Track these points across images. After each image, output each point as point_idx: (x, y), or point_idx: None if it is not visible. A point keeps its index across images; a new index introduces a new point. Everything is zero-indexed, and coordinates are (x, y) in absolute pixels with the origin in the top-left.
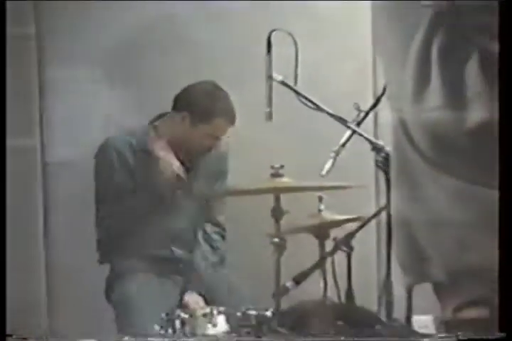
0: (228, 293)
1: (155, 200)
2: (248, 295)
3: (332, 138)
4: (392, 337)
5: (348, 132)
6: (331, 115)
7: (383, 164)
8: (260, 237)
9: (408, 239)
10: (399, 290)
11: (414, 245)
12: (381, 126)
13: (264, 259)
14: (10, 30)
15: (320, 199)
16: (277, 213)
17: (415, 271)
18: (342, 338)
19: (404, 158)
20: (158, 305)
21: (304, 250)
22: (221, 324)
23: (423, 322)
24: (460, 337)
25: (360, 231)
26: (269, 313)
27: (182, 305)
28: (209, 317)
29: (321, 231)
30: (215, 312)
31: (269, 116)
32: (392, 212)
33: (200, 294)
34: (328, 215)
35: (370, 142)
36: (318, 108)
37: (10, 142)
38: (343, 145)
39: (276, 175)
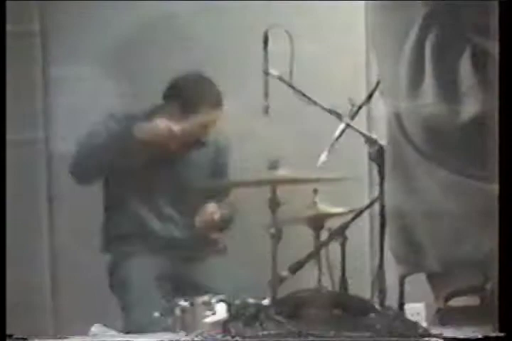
0: (227, 282)
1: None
2: (246, 284)
3: (327, 131)
4: (387, 326)
5: (342, 126)
6: (326, 109)
7: (376, 157)
8: (257, 227)
9: (402, 231)
10: (391, 279)
11: (407, 236)
12: (374, 120)
13: (260, 249)
14: (15, 27)
15: (315, 191)
16: (274, 204)
17: (409, 261)
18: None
19: (399, 151)
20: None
21: (299, 240)
22: (220, 312)
23: (415, 309)
24: (460, 337)
25: (354, 222)
26: (266, 302)
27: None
28: (208, 305)
29: (316, 223)
30: (214, 300)
31: (266, 110)
32: (387, 203)
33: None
34: (324, 207)
35: (364, 135)
36: (313, 102)
37: (16, 136)
38: (338, 138)
39: (272, 167)
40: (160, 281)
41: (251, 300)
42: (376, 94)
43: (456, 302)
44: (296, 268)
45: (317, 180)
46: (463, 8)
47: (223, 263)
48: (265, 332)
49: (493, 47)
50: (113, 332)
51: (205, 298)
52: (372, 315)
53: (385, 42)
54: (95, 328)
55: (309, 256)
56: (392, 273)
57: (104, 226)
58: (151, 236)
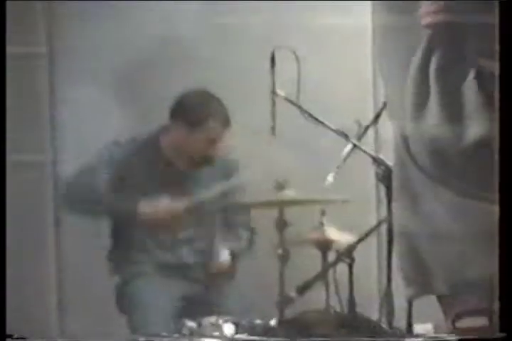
0: (235, 302)
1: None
2: (253, 305)
3: (334, 152)
4: None
5: (350, 146)
6: (333, 130)
7: (383, 177)
8: (264, 248)
9: (410, 252)
10: (399, 300)
11: (415, 258)
12: (381, 141)
13: (268, 270)
14: (22, 49)
15: (322, 212)
16: (281, 225)
17: (418, 283)
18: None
19: (405, 172)
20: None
21: (306, 261)
22: (228, 332)
23: (424, 330)
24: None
25: (361, 243)
26: (274, 322)
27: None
28: (216, 325)
29: (323, 244)
30: (221, 320)
31: (273, 131)
32: (394, 224)
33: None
34: (331, 231)
35: (371, 156)
36: (320, 123)
37: (23, 157)
38: (345, 159)
39: (280, 188)
40: (169, 302)
41: (258, 321)
42: (383, 114)
43: (465, 323)
44: (304, 289)
45: (324, 201)
46: (467, 31)
47: (231, 284)
48: None
49: (497, 70)
50: None
51: (213, 318)
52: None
53: (391, 63)
54: None
55: (317, 277)
56: (400, 294)
57: (112, 248)
58: (159, 259)
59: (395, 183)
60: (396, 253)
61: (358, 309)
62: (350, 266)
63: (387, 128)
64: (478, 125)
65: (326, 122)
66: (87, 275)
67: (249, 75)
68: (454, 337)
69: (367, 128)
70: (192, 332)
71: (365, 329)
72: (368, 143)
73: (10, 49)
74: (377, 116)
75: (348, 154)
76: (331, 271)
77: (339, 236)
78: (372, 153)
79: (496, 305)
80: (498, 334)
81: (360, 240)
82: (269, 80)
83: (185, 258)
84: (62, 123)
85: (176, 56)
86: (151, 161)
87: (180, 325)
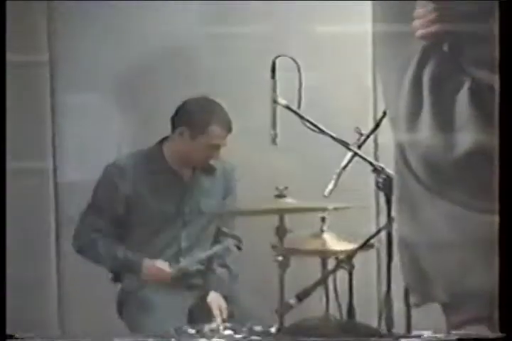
0: (234, 309)
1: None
2: (253, 312)
3: (334, 160)
4: None
5: (350, 154)
6: (333, 138)
7: (384, 185)
8: (264, 255)
9: (411, 261)
10: (399, 307)
11: (416, 266)
12: (382, 149)
13: (268, 277)
14: (24, 57)
15: (323, 219)
16: (281, 232)
17: (419, 291)
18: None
19: (404, 181)
20: (169, 319)
21: (306, 268)
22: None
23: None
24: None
25: (361, 250)
26: (273, 329)
27: (205, 307)
28: (215, 332)
29: (323, 251)
30: (221, 327)
31: (274, 139)
32: (395, 233)
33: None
34: (330, 239)
35: (371, 164)
36: (320, 131)
37: (24, 164)
38: (345, 167)
39: (280, 195)
40: (169, 309)
41: (258, 328)
42: (384, 122)
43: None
44: (304, 296)
45: (324, 209)
46: (461, 41)
47: (231, 291)
48: None
49: (492, 80)
50: None
51: (213, 325)
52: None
53: (389, 73)
54: None
55: (317, 284)
56: (399, 301)
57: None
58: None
59: (395, 192)
60: (399, 262)
61: (358, 316)
62: (350, 273)
63: (388, 136)
64: (470, 136)
65: (327, 130)
66: (87, 275)
67: (249, 83)
68: (453, 336)
69: (367, 136)
70: (192, 338)
71: (365, 336)
72: (369, 151)
73: (12, 57)
74: (377, 124)
75: (348, 162)
76: (330, 278)
77: (339, 243)
78: (373, 161)
79: (496, 314)
80: (498, 334)
81: (361, 247)
82: (269, 88)
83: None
84: (64, 130)
85: (178, 64)
86: (155, 171)
87: (180, 332)
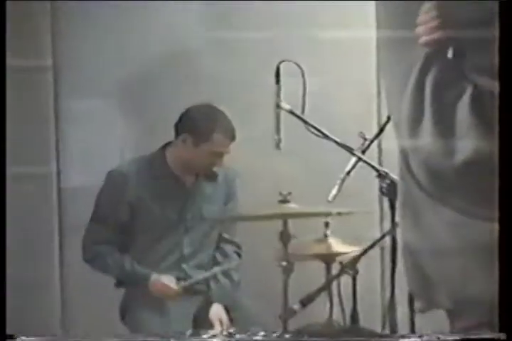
0: (238, 314)
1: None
2: (257, 317)
3: (338, 165)
4: None
5: (354, 159)
6: (338, 143)
7: (388, 191)
8: (268, 261)
9: (415, 266)
10: (402, 312)
11: (420, 272)
12: (386, 154)
13: (272, 282)
14: (27, 62)
15: (326, 224)
16: (285, 237)
17: (424, 297)
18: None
19: (407, 187)
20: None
21: (310, 273)
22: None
23: None
24: (460, 337)
25: (365, 255)
26: (277, 335)
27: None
28: (219, 338)
29: (327, 257)
30: (224, 333)
31: (278, 144)
32: (398, 239)
33: (225, 308)
34: (335, 243)
35: (375, 169)
36: (325, 136)
37: (28, 169)
38: (349, 172)
39: (284, 201)
40: (172, 315)
41: (262, 333)
42: (388, 127)
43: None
44: (308, 301)
45: (328, 214)
46: (464, 48)
47: (235, 296)
48: None
49: (494, 87)
50: None
51: (216, 330)
52: None
53: (393, 78)
54: None
55: (320, 290)
56: (403, 306)
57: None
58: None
59: (399, 198)
60: (403, 267)
61: (361, 321)
62: (354, 279)
63: (392, 141)
64: (471, 143)
65: (331, 135)
66: (89, 276)
67: (253, 88)
68: (455, 336)
69: (371, 141)
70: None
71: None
72: (373, 156)
73: (16, 62)
74: (381, 130)
75: (353, 167)
76: (334, 284)
77: (343, 248)
78: (377, 166)
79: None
80: (498, 335)
81: (364, 252)
82: (273, 93)
83: (189, 272)
84: (67, 135)
85: (181, 69)
86: (157, 177)
87: (182, 338)
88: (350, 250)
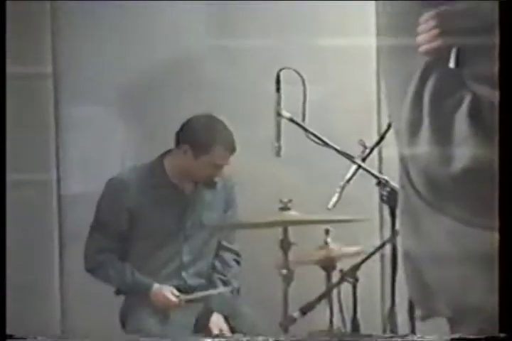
0: (238, 322)
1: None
2: (257, 325)
3: (338, 173)
4: None
5: (354, 167)
6: (338, 151)
7: (388, 198)
8: (268, 268)
9: (415, 274)
10: (402, 319)
11: (420, 280)
12: (386, 162)
13: (272, 290)
14: (27, 69)
15: (327, 232)
16: (285, 245)
17: (424, 305)
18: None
19: (407, 195)
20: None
21: (310, 281)
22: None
23: None
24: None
25: (365, 263)
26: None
27: (206, 329)
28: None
29: (327, 263)
30: (224, 340)
31: (278, 152)
32: (398, 246)
33: (224, 317)
34: (335, 248)
35: (376, 177)
36: (325, 144)
37: (28, 176)
38: (349, 180)
39: (284, 208)
40: (172, 321)
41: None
42: (388, 135)
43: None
44: (308, 309)
45: (328, 222)
46: (464, 56)
47: (234, 303)
48: None
49: (493, 96)
50: None
51: (215, 337)
52: None
53: (393, 86)
54: None
55: (321, 297)
56: (403, 314)
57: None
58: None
59: (399, 206)
60: (404, 275)
61: (362, 329)
62: (354, 286)
63: (392, 149)
64: (470, 151)
65: (331, 143)
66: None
67: (254, 96)
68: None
69: (371, 149)
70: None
71: None
72: (373, 164)
73: (16, 68)
74: (381, 137)
75: (353, 175)
76: (335, 291)
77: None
78: (377, 174)
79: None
80: (498, 335)
81: (365, 260)
82: (273, 101)
83: (189, 280)
84: (67, 142)
85: (182, 77)
86: (156, 185)
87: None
88: (351, 250)
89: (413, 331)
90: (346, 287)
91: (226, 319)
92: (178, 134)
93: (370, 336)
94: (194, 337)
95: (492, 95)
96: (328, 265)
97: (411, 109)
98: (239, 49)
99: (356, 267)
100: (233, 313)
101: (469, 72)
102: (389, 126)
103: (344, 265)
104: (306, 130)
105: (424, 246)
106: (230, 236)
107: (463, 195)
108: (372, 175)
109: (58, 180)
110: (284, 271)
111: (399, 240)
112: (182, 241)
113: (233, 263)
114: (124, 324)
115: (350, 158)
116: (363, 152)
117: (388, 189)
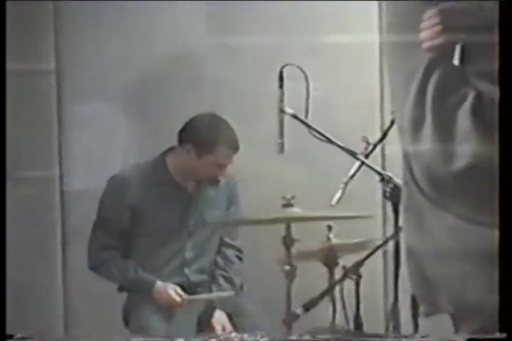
0: (241, 319)
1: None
2: (260, 321)
3: (341, 169)
4: None
5: (357, 164)
6: (341, 147)
7: (391, 195)
8: (271, 265)
9: (418, 270)
10: (405, 316)
11: (423, 276)
12: (389, 158)
13: (274, 287)
14: (30, 65)
15: (329, 228)
16: (288, 241)
17: (427, 301)
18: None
19: (410, 191)
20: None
21: (313, 278)
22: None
23: None
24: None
25: (368, 260)
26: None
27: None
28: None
29: (330, 259)
30: (226, 337)
31: (281, 148)
32: (402, 243)
33: (227, 314)
34: (337, 243)
35: (379, 173)
36: (328, 140)
37: (31, 173)
38: (352, 176)
39: (287, 205)
40: (176, 318)
41: (265, 338)
42: (391, 131)
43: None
44: (311, 305)
45: (331, 218)
46: (467, 53)
47: (237, 301)
48: None
49: (495, 93)
50: None
51: (219, 335)
52: None
53: (397, 83)
54: None
55: (323, 294)
56: (406, 310)
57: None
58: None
59: (402, 202)
60: (407, 271)
61: (365, 326)
62: (357, 283)
63: (395, 145)
64: (472, 149)
65: (334, 139)
66: (92, 279)
67: (257, 92)
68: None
69: (375, 145)
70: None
71: None
72: (376, 160)
73: (18, 65)
74: (384, 134)
75: (356, 171)
76: (337, 288)
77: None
78: (380, 170)
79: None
80: (499, 335)
81: (368, 256)
82: (276, 97)
83: (191, 277)
84: (70, 139)
85: (185, 74)
86: (158, 183)
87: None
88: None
89: (416, 327)
90: (349, 283)
91: (229, 316)
92: (181, 133)
93: (380, 336)
94: (199, 336)
95: (495, 92)
96: (330, 261)
97: (414, 105)
98: (241, 47)
99: (359, 264)
100: (236, 310)
101: (473, 69)
102: (392, 123)
103: (347, 261)
104: (309, 126)
105: (427, 243)
106: (233, 233)
107: (465, 192)
108: (376, 171)
109: (61, 177)
110: (287, 268)
111: (402, 236)
112: (185, 239)
113: (235, 260)
114: (126, 321)
115: (353, 154)
116: (366, 148)
117: (391, 185)
